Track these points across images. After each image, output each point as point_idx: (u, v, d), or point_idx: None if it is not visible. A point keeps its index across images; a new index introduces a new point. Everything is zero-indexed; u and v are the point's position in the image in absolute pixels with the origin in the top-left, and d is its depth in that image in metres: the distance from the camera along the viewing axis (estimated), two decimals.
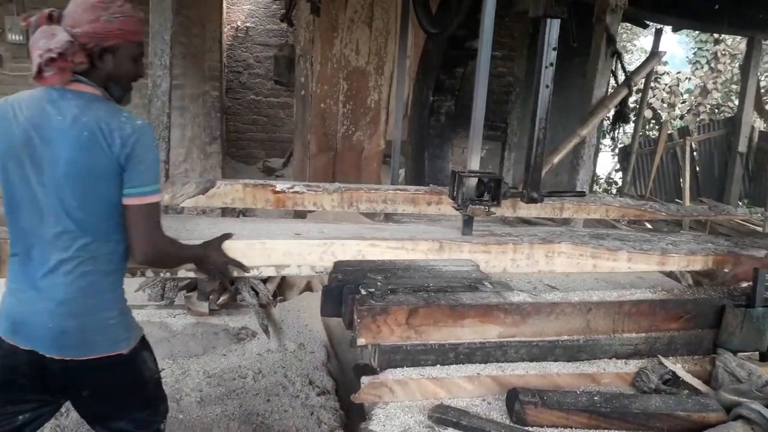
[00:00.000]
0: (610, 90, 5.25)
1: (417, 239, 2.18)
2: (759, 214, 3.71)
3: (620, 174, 10.81)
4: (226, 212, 5.54)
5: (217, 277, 2.00)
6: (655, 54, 5.25)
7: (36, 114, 1.57)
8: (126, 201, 1.60)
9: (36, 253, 1.61)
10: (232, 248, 1.99)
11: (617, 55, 4.88)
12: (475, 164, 2.42)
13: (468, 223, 2.42)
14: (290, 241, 2.06)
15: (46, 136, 1.55)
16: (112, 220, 1.61)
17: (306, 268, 2.08)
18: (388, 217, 3.72)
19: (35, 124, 1.56)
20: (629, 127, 10.17)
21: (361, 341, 1.68)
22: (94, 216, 1.59)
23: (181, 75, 6.92)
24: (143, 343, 1.79)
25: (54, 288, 1.59)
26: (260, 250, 2.01)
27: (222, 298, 4.06)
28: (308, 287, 4.50)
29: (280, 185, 2.93)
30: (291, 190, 2.87)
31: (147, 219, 1.62)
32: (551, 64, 2.14)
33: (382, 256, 2.12)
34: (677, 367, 1.78)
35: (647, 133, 11.64)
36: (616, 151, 11.40)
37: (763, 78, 11.37)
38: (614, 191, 10.05)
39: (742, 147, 8.40)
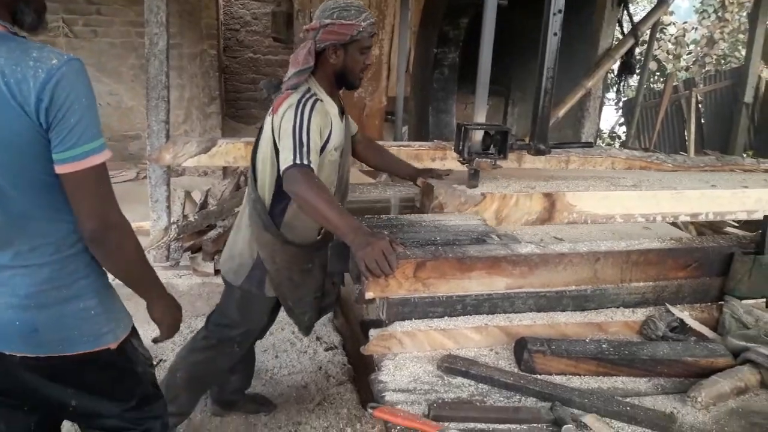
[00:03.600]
0: (615, 41, 5.15)
1: None
2: (767, 164, 3.67)
3: (624, 128, 10.70)
4: (227, 172, 5.52)
5: (164, 330, 1.65)
6: (663, 2, 5.12)
7: None
8: (59, 169, 1.24)
9: None
10: (718, 195, 2.52)
11: (624, 4, 4.77)
12: (481, 117, 2.38)
13: (474, 176, 2.40)
14: (762, 190, 2.61)
15: None
16: (51, 196, 1.30)
17: (760, 213, 2.57)
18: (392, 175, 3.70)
19: None
20: (633, 80, 10.03)
21: (369, 295, 1.68)
22: (33, 196, 1.29)
23: (178, 34, 6.80)
24: (133, 334, 1.57)
25: (15, 280, 1.33)
26: (740, 197, 2.56)
27: None
28: None
29: None
30: None
31: (92, 187, 1.28)
32: (560, 11, 2.08)
33: None
34: (684, 314, 1.78)
35: (652, 85, 11.47)
36: (620, 104, 11.27)
37: None
38: (617, 145, 9.96)
39: (748, 98, 8.25)
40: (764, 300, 1.96)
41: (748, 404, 1.47)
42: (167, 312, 1.62)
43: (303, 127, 1.91)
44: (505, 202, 2.29)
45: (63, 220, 1.33)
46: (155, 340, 1.70)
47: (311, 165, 1.88)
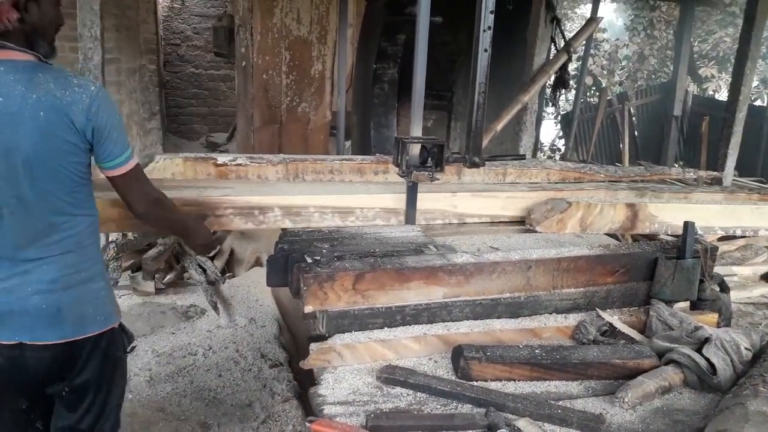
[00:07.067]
0: (551, 57, 5.33)
1: None
2: (692, 173, 3.87)
3: (563, 141, 11.04)
4: None
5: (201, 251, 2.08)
6: (592, 19, 5.34)
7: None
8: (110, 173, 1.59)
9: (8, 241, 1.48)
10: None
11: (556, 21, 4.95)
12: (417, 130, 2.42)
13: (412, 189, 2.43)
14: None
15: None
16: (78, 195, 1.54)
17: None
18: None
19: None
20: (571, 95, 10.37)
21: (308, 308, 1.68)
22: (64, 194, 1.51)
23: (115, 49, 6.62)
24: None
25: (41, 269, 1.50)
26: None
27: (168, 277, 3.99)
28: (257, 262, 4.46)
29: (221, 158, 2.88)
30: (233, 163, 2.82)
31: (137, 181, 1.63)
32: (489, 28, 2.15)
33: None
34: (614, 318, 1.85)
35: (588, 99, 11.90)
36: (559, 118, 11.63)
37: (695, 43, 11.75)
38: (557, 158, 10.28)
39: (677, 111, 8.69)
40: (688, 302, 2.07)
41: (672, 403, 1.54)
42: (205, 237, 1.97)
43: None
44: (590, 210, 2.41)
45: (85, 215, 1.58)
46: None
47: None
